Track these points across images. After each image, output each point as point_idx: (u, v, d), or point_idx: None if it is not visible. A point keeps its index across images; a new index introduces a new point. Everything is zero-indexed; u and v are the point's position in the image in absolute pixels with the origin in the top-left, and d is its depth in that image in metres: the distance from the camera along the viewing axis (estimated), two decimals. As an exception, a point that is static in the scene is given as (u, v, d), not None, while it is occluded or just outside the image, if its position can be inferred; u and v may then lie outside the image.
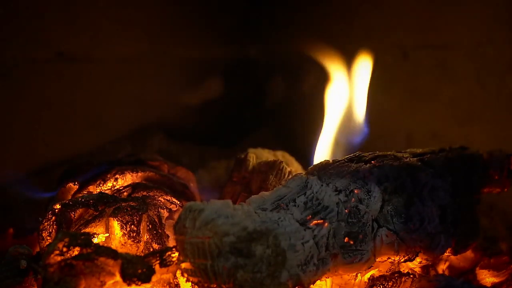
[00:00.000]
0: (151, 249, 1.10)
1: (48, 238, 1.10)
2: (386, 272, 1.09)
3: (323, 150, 1.32)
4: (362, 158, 1.08)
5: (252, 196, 1.00)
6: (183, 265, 0.92)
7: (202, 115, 1.96)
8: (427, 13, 1.67)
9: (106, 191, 1.20)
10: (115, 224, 1.09)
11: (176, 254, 0.95)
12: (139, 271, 0.91)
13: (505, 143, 1.31)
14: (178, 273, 1.01)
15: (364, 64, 1.38)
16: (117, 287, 0.93)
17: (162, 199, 1.19)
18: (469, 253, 1.22)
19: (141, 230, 1.10)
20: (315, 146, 1.33)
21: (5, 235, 1.35)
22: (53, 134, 1.66)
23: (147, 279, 0.92)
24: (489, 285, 1.17)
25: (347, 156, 1.10)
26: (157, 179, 1.25)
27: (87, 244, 0.93)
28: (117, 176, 1.22)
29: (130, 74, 1.79)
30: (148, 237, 1.11)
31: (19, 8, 1.55)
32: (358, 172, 1.04)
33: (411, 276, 1.07)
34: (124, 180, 1.22)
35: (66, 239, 0.92)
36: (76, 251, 0.92)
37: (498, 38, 1.55)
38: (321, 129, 1.35)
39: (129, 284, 0.92)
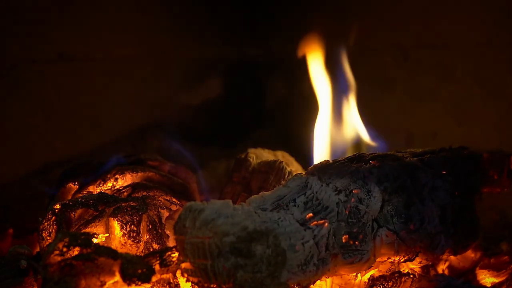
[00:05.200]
0: (151, 249, 1.10)
1: (48, 238, 1.10)
2: (386, 272, 1.09)
3: (322, 150, 1.32)
4: (362, 158, 1.08)
5: (252, 196, 1.00)
6: (183, 265, 0.92)
7: (202, 115, 1.96)
8: (427, 13, 1.67)
9: (106, 191, 1.20)
10: (115, 224, 1.09)
11: (176, 254, 0.95)
12: (139, 271, 0.91)
13: (505, 143, 1.31)
14: (178, 273, 1.01)
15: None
16: (117, 287, 0.93)
17: (162, 199, 1.19)
18: (469, 253, 1.21)
19: (141, 230, 1.10)
20: (313, 146, 1.33)
21: (5, 235, 1.36)
22: (53, 134, 1.66)
23: (147, 279, 0.92)
24: (489, 285, 1.17)
25: (347, 156, 1.10)
26: (157, 179, 1.25)
27: (87, 244, 0.93)
28: (117, 176, 1.22)
29: (130, 74, 1.79)
30: (148, 237, 1.11)
31: (19, 8, 1.55)
32: (358, 172, 1.04)
33: (411, 276, 1.07)
34: (124, 180, 1.22)
35: (66, 239, 0.92)
36: (76, 251, 0.92)
37: (498, 38, 1.55)
38: (316, 128, 1.35)
39: (129, 284, 0.92)
